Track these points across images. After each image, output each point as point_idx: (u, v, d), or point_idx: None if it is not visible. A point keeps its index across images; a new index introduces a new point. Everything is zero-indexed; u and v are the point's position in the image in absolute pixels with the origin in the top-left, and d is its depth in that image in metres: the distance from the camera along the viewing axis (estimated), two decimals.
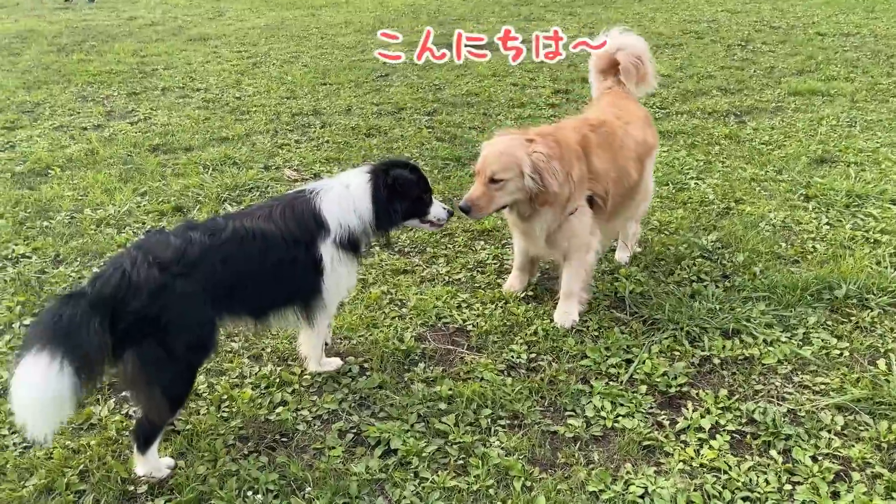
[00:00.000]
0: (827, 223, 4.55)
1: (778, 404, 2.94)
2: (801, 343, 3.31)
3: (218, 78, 9.17)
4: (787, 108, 7.30)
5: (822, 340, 3.33)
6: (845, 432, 2.77)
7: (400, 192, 2.90)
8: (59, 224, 4.76)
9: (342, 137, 6.63)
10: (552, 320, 3.53)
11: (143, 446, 2.50)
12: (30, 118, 7.43)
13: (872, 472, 2.56)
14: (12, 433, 2.81)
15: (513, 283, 3.83)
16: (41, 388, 2.07)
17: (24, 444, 2.74)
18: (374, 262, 4.19)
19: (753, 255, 4.14)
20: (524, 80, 8.95)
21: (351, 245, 2.80)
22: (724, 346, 3.30)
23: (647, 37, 11.33)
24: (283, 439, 2.79)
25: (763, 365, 3.19)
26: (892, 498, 2.44)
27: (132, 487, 2.55)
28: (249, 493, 2.50)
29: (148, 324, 2.31)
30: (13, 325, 3.58)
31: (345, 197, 2.80)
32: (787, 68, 8.98)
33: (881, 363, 3.15)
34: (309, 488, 2.50)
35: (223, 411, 2.94)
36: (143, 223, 4.78)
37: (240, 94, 8.37)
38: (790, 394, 3.00)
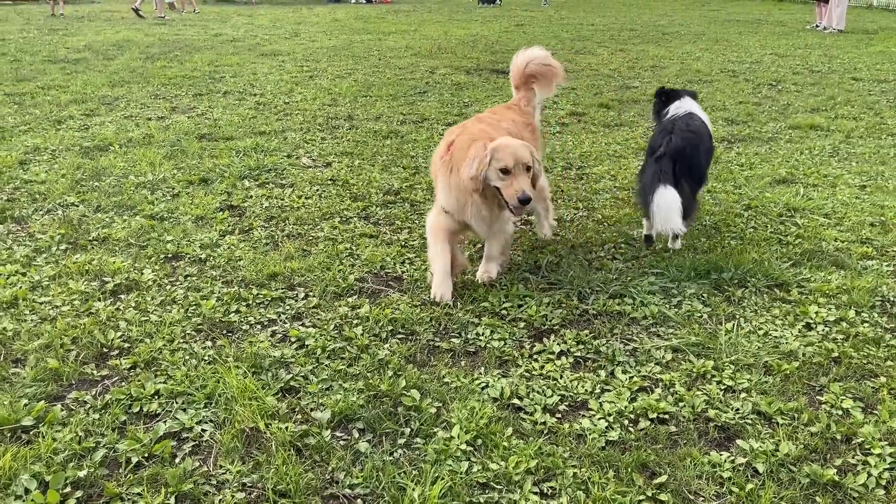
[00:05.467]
0: (753, 227, 5.10)
1: (625, 343, 3.57)
2: (670, 306, 3.92)
3: (274, 86, 10.30)
4: (780, 138, 7.77)
5: (691, 305, 3.93)
6: (668, 365, 3.38)
7: None
8: (107, 185, 5.80)
9: (362, 138, 7.54)
10: (474, 277, 4.23)
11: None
12: (107, 108, 8.68)
13: (673, 390, 3.17)
14: (33, 313, 3.74)
15: (443, 290, 3.94)
16: (672, 201, 4.14)
17: (38, 321, 3.65)
18: (346, 228, 5.01)
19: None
20: (548, 102, 9.67)
21: None
22: (604, 304, 3.94)
23: (685, 73, 11.94)
24: (228, 334, 3.61)
25: (630, 318, 3.82)
26: (680, 405, 3.04)
27: (106, 350, 3.41)
28: (192, 360, 3.33)
29: (688, 166, 4.33)
30: (52, 250, 4.55)
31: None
32: (803, 106, 9.41)
33: (729, 324, 3.73)
34: (237, 362, 3.29)
35: (189, 312, 3.79)
36: (172, 188, 5.77)
37: (289, 100, 9.44)
38: (640, 337, 3.62)
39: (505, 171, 3.70)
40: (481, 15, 24.35)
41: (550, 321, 3.76)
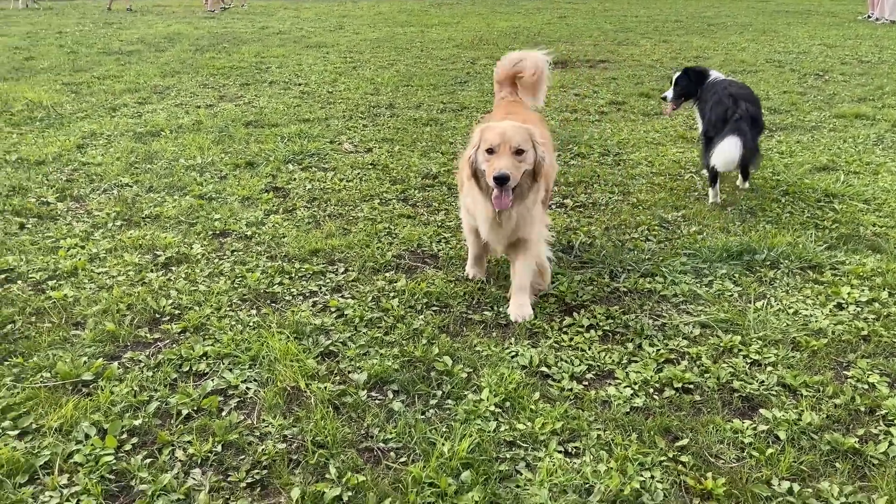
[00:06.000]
0: (789, 212, 5.10)
1: (654, 319, 3.65)
2: (701, 285, 3.98)
3: (319, 76, 10.53)
4: (823, 127, 7.69)
5: (722, 285, 3.98)
6: (696, 339, 3.45)
7: None
8: (158, 167, 6.06)
9: (402, 125, 7.70)
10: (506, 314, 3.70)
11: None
12: (158, 97, 9.00)
13: (699, 362, 3.24)
14: (91, 282, 3.97)
15: (475, 271, 4.02)
16: (734, 148, 4.73)
17: (96, 289, 3.89)
18: (385, 209, 5.17)
19: (704, 228, 4.80)
20: (588, 91, 9.71)
21: None
22: (635, 282, 4.02)
23: (729, 64, 11.87)
24: (272, 303, 3.80)
25: (660, 296, 3.89)
26: (705, 376, 3.12)
27: (158, 316, 3.63)
28: (238, 326, 3.52)
29: (759, 125, 5.09)
30: (108, 225, 4.81)
31: None
32: (849, 95, 9.26)
33: (759, 303, 3.78)
34: (279, 328, 3.47)
35: (235, 283, 3.98)
36: (220, 171, 6.00)
37: (332, 89, 9.65)
38: (669, 314, 3.70)
39: (490, 152, 3.39)
40: (524, 7, 24.32)
41: (581, 297, 3.85)
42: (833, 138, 7.17)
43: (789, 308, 3.72)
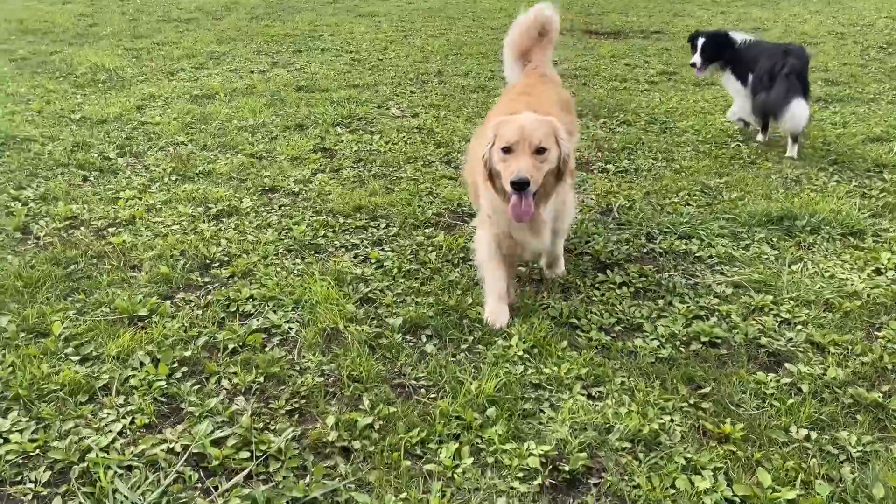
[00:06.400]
0: (836, 181, 5.04)
1: (687, 278, 3.70)
2: (738, 248, 4.00)
3: (370, 44, 10.65)
4: (881, 99, 7.48)
5: (759, 249, 4.00)
6: (727, 298, 3.49)
7: None
8: (212, 128, 6.29)
9: (450, 92, 7.78)
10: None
11: None
12: (214, 63, 9.25)
13: (729, 319, 3.29)
14: (147, 230, 4.20)
15: (498, 314, 3.25)
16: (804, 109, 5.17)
17: (152, 237, 4.11)
18: (428, 170, 5.29)
19: (747, 194, 4.79)
20: (639, 61, 9.61)
21: None
22: (671, 244, 4.06)
23: (789, 36, 11.55)
24: (316, 254, 3.96)
25: (696, 257, 3.93)
26: (733, 332, 3.17)
27: (209, 262, 3.83)
28: (283, 272, 3.69)
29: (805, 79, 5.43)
30: (164, 180, 5.04)
31: None
32: None
33: (797, 266, 3.78)
34: (322, 276, 3.63)
35: (282, 235, 4.16)
36: (271, 132, 6.20)
37: (382, 57, 9.76)
38: (703, 274, 3.74)
39: (507, 151, 3.00)
40: None
41: (616, 256, 3.92)
42: (890, 110, 6.98)
43: (826, 271, 3.72)
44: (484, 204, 3.37)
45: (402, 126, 6.42)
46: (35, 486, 2.29)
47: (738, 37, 6.04)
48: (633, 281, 3.64)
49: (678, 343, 3.10)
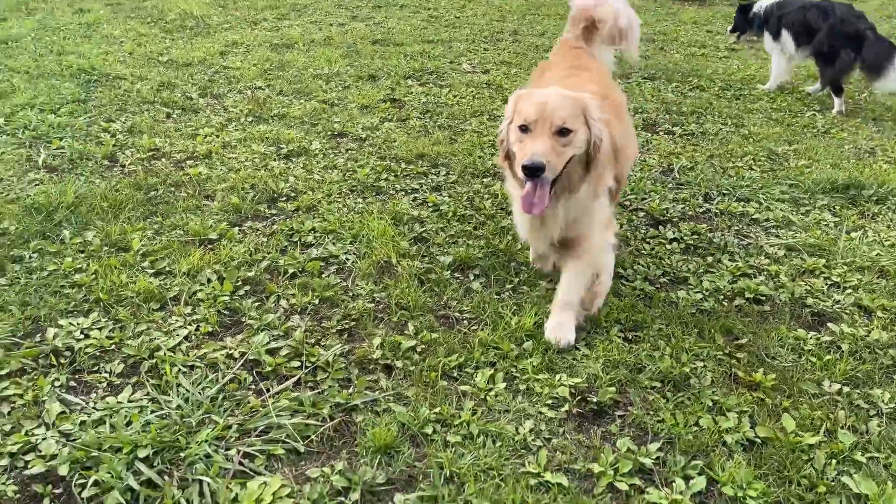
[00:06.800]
0: None
1: (740, 239, 3.70)
2: (797, 213, 3.96)
3: (448, 2, 10.68)
4: None
5: (819, 215, 3.95)
6: (779, 259, 3.49)
7: None
8: (289, 75, 6.51)
9: (523, 51, 7.78)
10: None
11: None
12: (295, 14, 9.48)
13: (777, 279, 3.30)
14: (222, 164, 4.45)
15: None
16: None
17: (226, 171, 4.35)
18: (493, 124, 5.37)
19: (814, 162, 4.69)
20: (721, 28, 9.35)
21: None
22: (729, 205, 4.05)
23: (887, 5, 10.84)
24: (376, 195, 4.13)
25: (752, 219, 3.91)
26: (779, 291, 3.19)
27: (276, 196, 4.05)
28: (345, 209, 3.88)
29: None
30: (240, 120, 5.29)
31: None
32: None
33: (856, 234, 3.73)
34: (380, 214, 3.79)
35: (346, 176, 4.35)
36: (344, 81, 6.38)
37: (460, 14, 9.79)
38: (757, 236, 3.73)
39: (524, 129, 2.59)
40: None
41: (670, 214, 3.94)
42: None
43: (886, 241, 3.65)
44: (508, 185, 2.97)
45: (472, 81, 6.49)
46: (109, 375, 2.55)
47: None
48: (685, 238, 3.67)
49: (722, 297, 3.14)
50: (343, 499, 2.07)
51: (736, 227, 3.81)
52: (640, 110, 5.75)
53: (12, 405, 2.39)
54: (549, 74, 3.25)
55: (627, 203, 4.07)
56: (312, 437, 2.31)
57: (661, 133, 5.27)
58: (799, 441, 2.28)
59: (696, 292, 3.17)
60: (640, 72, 6.92)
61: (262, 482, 2.10)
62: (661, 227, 3.78)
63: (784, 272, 3.34)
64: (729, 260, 3.45)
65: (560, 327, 2.76)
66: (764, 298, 3.14)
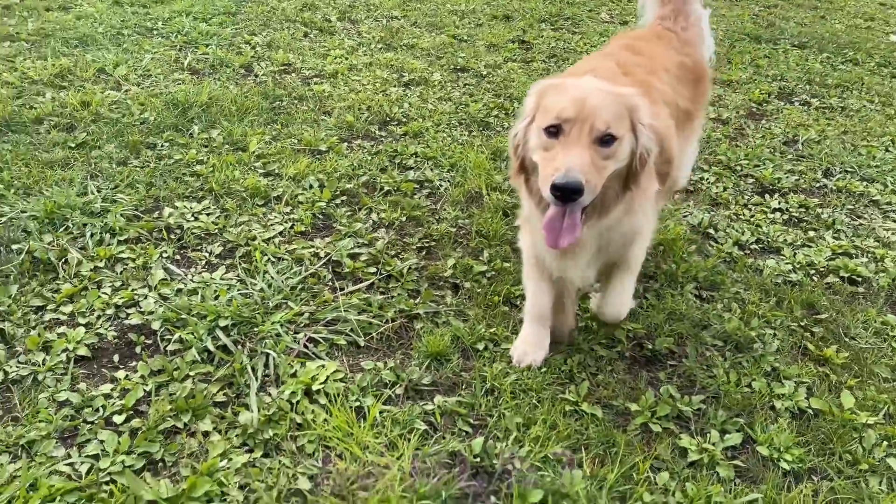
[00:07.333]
0: None
1: (852, 219, 3.51)
2: None
3: None
4: None
5: None
6: (889, 244, 3.29)
7: None
8: (426, 8, 6.62)
9: None
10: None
11: None
12: None
13: (881, 264, 3.12)
14: (345, 85, 4.67)
15: (526, 348, 2.38)
16: None
17: (347, 91, 4.56)
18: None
19: None
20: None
21: None
22: (849, 183, 3.82)
23: None
24: (482, 130, 4.21)
25: (871, 200, 3.69)
26: (879, 275, 3.02)
27: (388, 119, 4.21)
28: (449, 139, 3.99)
29: None
30: (371, 46, 5.48)
31: None
32: None
33: None
34: (481, 148, 3.88)
35: (458, 109, 4.44)
36: (478, 19, 6.42)
37: None
38: (872, 218, 3.52)
39: (553, 132, 1.95)
40: None
41: (781, 184, 3.78)
42: None
43: None
44: (523, 199, 2.30)
45: (607, 31, 6.35)
46: (209, 255, 2.83)
47: None
48: (790, 209, 3.53)
49: (813, 272, 3.02)
50: (388, 391, 2.24)
51: (850, 207, 3.60)
52: (778, 77, 5.44)
53: (125, 266, 2.72)
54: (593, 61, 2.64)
55: (738, 168, 3.93)
56: (373, 334, 2.48)
57: (794, 103, 4.99)
58: (853, 419, 2.22)
59: (787, 263, 3.07)
60: (789, 38, 6.50)
61: (321, 364, 2.30)
62: (766, 196, 3.64)
63: (891, 258, 3.15)
64: (832, 237, 3.30)
65: (622, 304, 2.36)
66: (860, 280, 2.99)
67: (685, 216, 3.41)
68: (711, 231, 3.28)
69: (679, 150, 2.49)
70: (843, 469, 2.07)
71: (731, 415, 2.24)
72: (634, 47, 2.67)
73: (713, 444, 2.11)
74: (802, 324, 2.68)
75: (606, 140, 1.93)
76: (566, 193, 1.84)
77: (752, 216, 3.45)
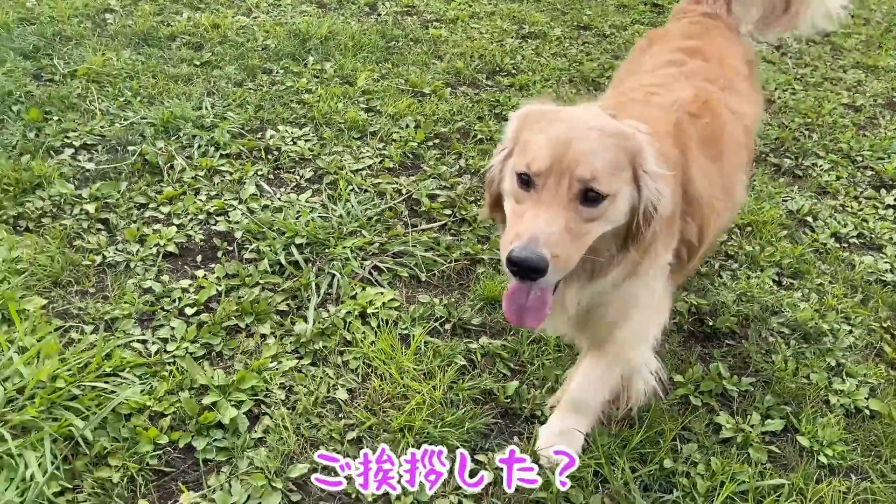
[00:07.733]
0: None
1: None
2: None
3: None
4: None
5: None
6: None
7: None
8: None
9: None
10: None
11: None
12: None
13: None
14: (462, 32, 4.70)
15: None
16: None
17: (463, 38, 4.59)
18: None
19: None
20: None
21: None
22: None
23: None
24: (593, 90, 4.14)
25: None
26: None
27: (497, 69, 4.22)
28: (554, 94, 3.96)
29: None
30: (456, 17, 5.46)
31: None
32: None
33: None
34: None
35: (570, 66, 4.38)
36: None
37: None
38: None
39: (526, 182, 1.52)
40: None
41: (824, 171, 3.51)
42: None
43: None
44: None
45: None
46: (299, 178, 3.00)
47: None
48: None
49: None
50: (437, 325, 2.33)
51: None
52: None
53: (222, 178, 2.93)
54: (648, 57, 2.30)
55: (859, 158, 3.68)
56: (435, 271, 2.57)
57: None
58: None
59: (886, 262, 2.88)
60: None
61: (379, 292, 2.42)
62: (883, 191, 3.40)
63: None
64: None
65: (560, 435, 1.92)
66: None
67: (785, 200, 3.25)
68: (809, 219, 3.12)
69: (725, 206, 1.96)
70: (886, 473, 1.97)
71: (779, 401, 2.17)
72: (701, 51, 2.20)
73: (751, 427, 2.07)
74: (885, 325, 2.53)
75: (592, 197, 1.48)
76: (523, 271, 1.43)
77: (861, 209, 3.25)
